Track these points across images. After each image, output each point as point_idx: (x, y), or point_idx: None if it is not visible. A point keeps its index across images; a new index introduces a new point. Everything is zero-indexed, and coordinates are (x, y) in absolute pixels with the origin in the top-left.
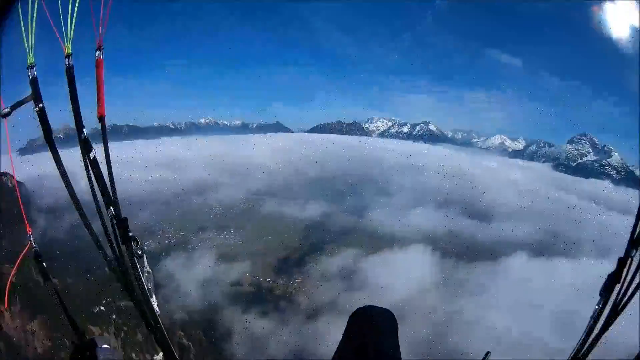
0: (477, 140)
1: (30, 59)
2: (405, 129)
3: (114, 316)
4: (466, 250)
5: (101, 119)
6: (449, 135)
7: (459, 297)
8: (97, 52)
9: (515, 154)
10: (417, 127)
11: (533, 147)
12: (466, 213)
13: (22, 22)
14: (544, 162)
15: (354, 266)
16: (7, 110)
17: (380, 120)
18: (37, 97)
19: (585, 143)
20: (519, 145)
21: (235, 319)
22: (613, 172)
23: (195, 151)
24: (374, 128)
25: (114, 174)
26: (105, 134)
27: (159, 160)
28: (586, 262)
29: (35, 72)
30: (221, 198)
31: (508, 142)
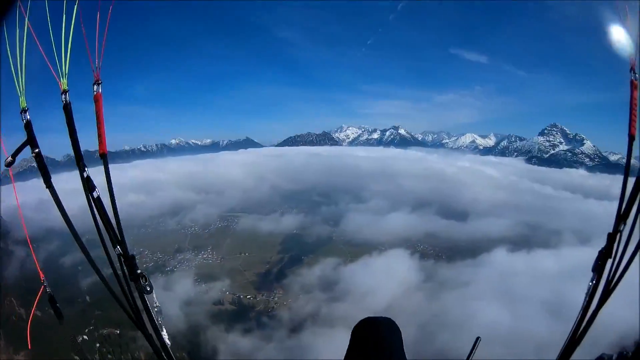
0: (447, 140)
1: (23, 102)
2: (375, 135)
3: (98, 344)
4: (445, 250)
5: (103, 156)
6: (420, 138)
7: (442, 297)
8: (95, 87)
9: (487, 151)
10: (387, 133)
11: (504, 143)
12: (442, 213)
13: (11, 64)
14: (516, 156)
15: (334, 276)
16: (10, 159)
17: (350, 128)
18: (32, 142)
19: (557, 133)
20: (490, 142)
21: (219, 338)
22: (587, 160)
23: (167, 172)
24: (344, 137)
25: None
26: (108, 172)
27: (132, 184)
28: (568, 250)
29: (28, 116)
30: (196, 218)
31: (479, 140)
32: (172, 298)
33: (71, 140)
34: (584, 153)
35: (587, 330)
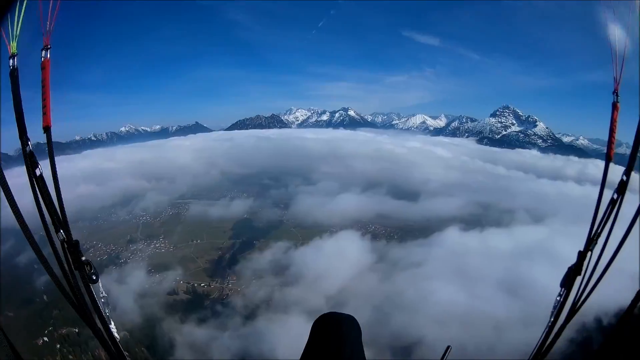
0: (397, 122)
1: None
2: (325, 117)
3: (58, 345)
4: (397, 230)
5: (47, 129)
6: (369, 120)
7: (396, 278)
8: (43, 52)
9: (438, 131)
10: (337, 115)
11: (455, 124)
12: (393, 194)
13: None
14: (467, 137)
15: (285, 260)
16: None
17: (299, 110)
18: None
19: (509, 115)
20: (441, 122)
21: (175, 329)
22: (539, 141)
23: (117, 161)
24: (293, 119)
25: None
26: (51, 148)
27: (83, 175)
28: (521, 229)
29: None
30: (148, 206)
31: (430, 121)
32: (127, 291)
33: (15, 111)
34: (537, 134)
35: (553, 345)
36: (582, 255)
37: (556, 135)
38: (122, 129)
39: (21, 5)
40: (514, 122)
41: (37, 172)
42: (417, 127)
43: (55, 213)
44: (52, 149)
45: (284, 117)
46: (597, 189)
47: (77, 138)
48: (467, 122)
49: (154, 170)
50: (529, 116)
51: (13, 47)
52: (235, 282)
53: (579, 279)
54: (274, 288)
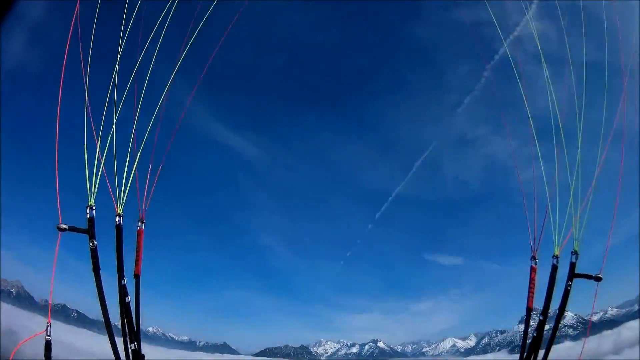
0: (427, 348)
1: (91, 201)
2: (354, 350)
3: None
4: None
5: (136, 276)
6: (399, 350)
7: None
8: (139, 223)
9: (468, 352)
10: (366, 347)
11: (485, 340)
12: None
13: (87, 169)
14: (498, 350)
15: None
16: (65, 227)
17: (329, 342)
18: (92, 235)
19: (535, 318)
20: (471, 342)
21: None
22: (570, 331)
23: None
24: (323, 351)
25: None
26: (138, 291)
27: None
28: None
29: (93, 214)
30: None
31: (460, 343)
32: None
33: (117, 253)
34: (567, 325)
35: None
36: None
37: (585, 318)
38: (150, 328)
39: (127, 177)
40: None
41: (127, 300)
42: (447, 352)
43: (133, 330)
44: (139, 291)
45: (313, 349)
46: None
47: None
48: (497, 336)
49: None
50: (555, 310)
51: (119, 208)
52: None
53: None
54: None
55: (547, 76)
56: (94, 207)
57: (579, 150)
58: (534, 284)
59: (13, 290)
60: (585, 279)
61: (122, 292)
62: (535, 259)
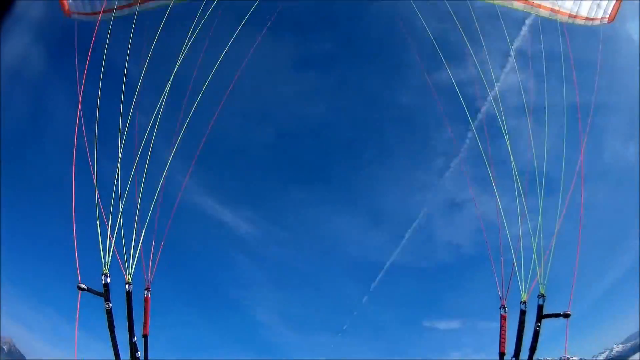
0: None
1: (105, 269)
2: None
3: None
4: None
5: (145, 336)
6: None
7: None
8: (146, 291)
9: None
10: None
11: None
12: None
13: (100, 245)
14: None
15: None
16: (84, 287)
17: None
18: (107, 298)
19: None
20: None
21: None
22: None
23: None
24: None
25: None
26: (147, 350)
27: None
28: None
29: (108, 280)
30: None
31: None
32: None
33: (127, 315)
34: None
35: None
36: None
37: None
38: None
39: (136, 246)
40: None
41: (137, 355)
42: None
43: None
44: (147, 350)
45: None
46: None
47: None
48: None
49: None
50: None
51: (128, 277)
52: None
53: None
54: None
55: (530, 129)
56: (108, 275)
57: (540, 202)
58: (504, 331)
59: (5, 347)
60: (555, 318)
61: (133, 348)
62: (504, 307)
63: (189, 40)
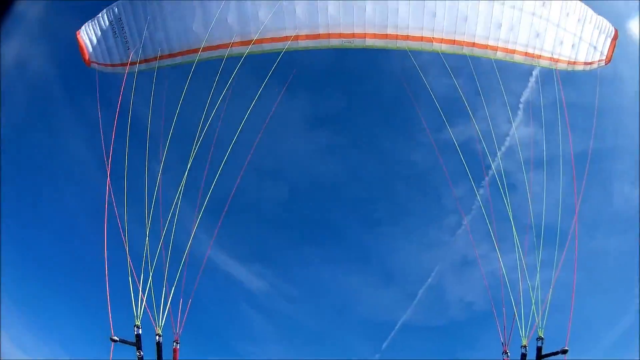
0: None
1: (138, 321)
2: None
3: None
4: None
5: None
6: None
7: None
8: (174, 343)
9: None
10: None
11: None
12: None
13: (132, 300)
14: None
15: None
16: (117, 338)
17: None
18: (139, 347)
19: None
20: None
21: None
22: None
23: None
24: None
25: None
26: None
27: None
28: None
29: (140, 331)
30: None
31: None
32: None
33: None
34: None
35: None
36: None
37: None
38: None
39: (166, 301)
40: None
41: None
42: None
43: None
44: None
45: None
46: None
47: None
48: None
49: None
50: None
51: (158, 329)
52: None
53: None
54: None
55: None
56: (140, 326)
57: (539, 254)
58: None
59: None
60: (554, 356)
61: None
62: (507, 353)
63: (210, 100)
